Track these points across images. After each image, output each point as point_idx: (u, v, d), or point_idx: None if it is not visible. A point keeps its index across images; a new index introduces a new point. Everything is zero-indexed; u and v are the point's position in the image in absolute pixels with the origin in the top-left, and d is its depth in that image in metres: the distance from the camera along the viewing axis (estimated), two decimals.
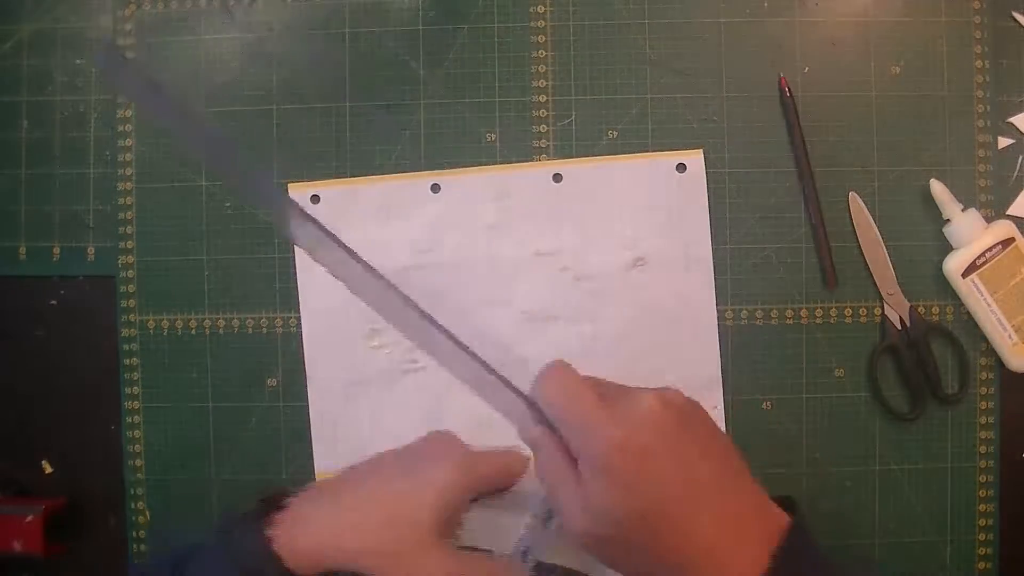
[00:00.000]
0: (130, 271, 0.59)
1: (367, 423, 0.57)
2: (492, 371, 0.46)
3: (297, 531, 0.41)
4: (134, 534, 0.58)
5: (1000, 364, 0.56)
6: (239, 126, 0.59)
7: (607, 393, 0.41)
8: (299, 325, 0.58)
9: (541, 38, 0.58)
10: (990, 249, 0.55)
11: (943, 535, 0.57)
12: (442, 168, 0.58)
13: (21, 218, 0.60)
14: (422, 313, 0.46)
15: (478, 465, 0.46)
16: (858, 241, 0.57)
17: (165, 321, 0.59)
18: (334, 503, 0.43)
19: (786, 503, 0.41)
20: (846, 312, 0.57)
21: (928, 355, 0.56)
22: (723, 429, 0.57)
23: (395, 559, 0.42)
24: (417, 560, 0.42)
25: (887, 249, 0.57)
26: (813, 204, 0.57)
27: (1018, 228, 0.55)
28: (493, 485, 0.46)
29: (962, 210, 0.55)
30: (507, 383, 0.46)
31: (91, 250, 0.60)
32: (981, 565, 0.57)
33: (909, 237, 0.57)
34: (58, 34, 0.60)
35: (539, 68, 0.58)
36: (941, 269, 0.56)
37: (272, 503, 0.44)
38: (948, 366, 0.57)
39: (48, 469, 0.60)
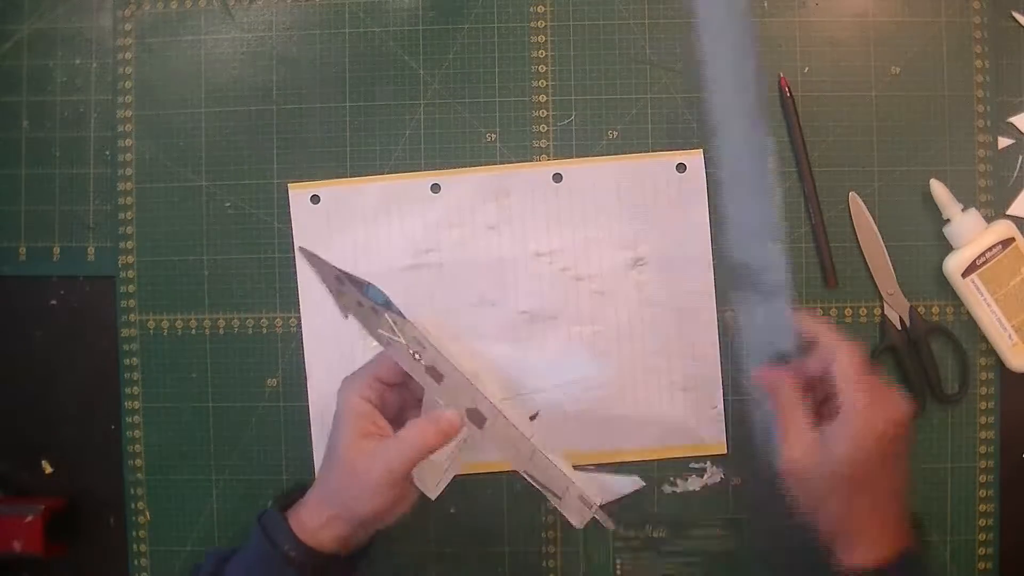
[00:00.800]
0: (130, 271, 0.59)
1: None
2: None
3: (301, 510, 0.49)
4: (134, 534, 0.58)
5: (1000, 364, 0.56)
6: (239, 126, 0.59)
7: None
8: (299, 325, 0.58)
9: (541, 38, 0.58)
10: (990, 249, 0.55)
11: (943, 535, 0.57)
12: (442, 168, 0.58)
13: (21, 218, 0.60)
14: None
15: (361, 368, 0.51)
16: (858, 241, 0.57)
17: (165, 321, 0.59)
18: (316, 486, 0.50)
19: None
20: (846, 312, 0.57)
21: (928, 355, 0.56)
22: (724, 429, 0.57)
23: (345, 484, 0.47)
24: (354, 468, 0.47)
25: (887, 249, 0.57)
26: (813, 204, 0.57)
27: (1018, 228, 0.55)
28: (384, 373, 0.50)
29: (962, 210, 0.55)
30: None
31: (91, 250, 0.60)
32: (981, 565, 0.57)
33: (909, 237, 0.57)
34: (58, 34, 0.60)
35: (539, 68, 0.58)
36: (941, 269, 0.56)
37: (293, 494, 0.51)
38: (948, 366, 0.57)
39: (48, 469, 0.60)
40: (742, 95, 0.50)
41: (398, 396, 0.51)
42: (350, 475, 0.47)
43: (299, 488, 0.51)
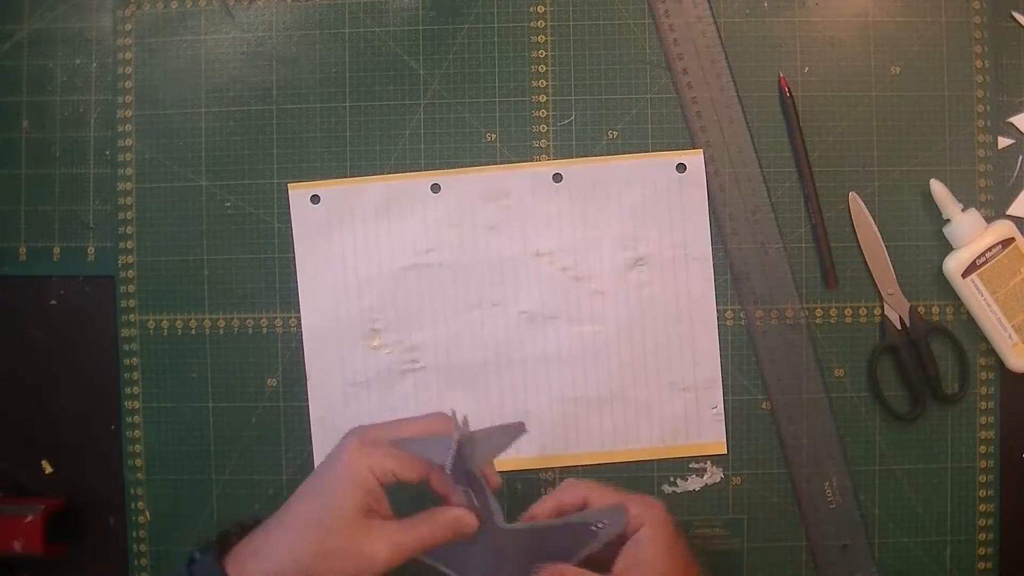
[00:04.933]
0: (130, 271, 0.59)
1: (367, 423, 0.57)
2: None
3: (247, 562, 0.43)
4: (134, 534, 0.58)
5: (1000, 364, 0.56)
6: (239, 126, 0.59)
7: None
8: (299, 325, 0.58)
9: (541, 38, 0.58)
10: (990, 249, 0.55)
11: (943, 535, 0.57)
12: (442, 168, 0.58)
13: (21, 218, 0.60)
14: None
15: (380, 433, 0.46)
16: (858, 241, 0.57)
17: (165, 321, 0.59)
18: (276, 529, 0.44)
19: None
20: (846, 312, 0.57)
21: (928, 355, 0.56)
22: (724, 429, 0.57)
23: (337, 557, 0.42)
24: (356, 546, 0.43)
25: (887, 249, 0.57)
26: (813, 204, 0.57)
27: (1018, 228, 0.55)
28: (403, 472, 0.45)
29: (962, 210, 0.55)
30: None
31: (91, 250, 0.60)
32: (981, 565, 0.57)
33: (909, 237, 0.57)
34: (58, 34, 0.60)
35: (539, 68, 0.58)
36: (941, 269, 0.56)
37: (231, 536, 0.45)
38: (948, 366, 0.57)
39: (48, 469, 0.60)
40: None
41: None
42: (345, 549, 0.42)
43: (237, 529, 0.45)
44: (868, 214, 0.57)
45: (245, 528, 0.45)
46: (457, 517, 0.45)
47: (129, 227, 0.59)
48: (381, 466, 0.44)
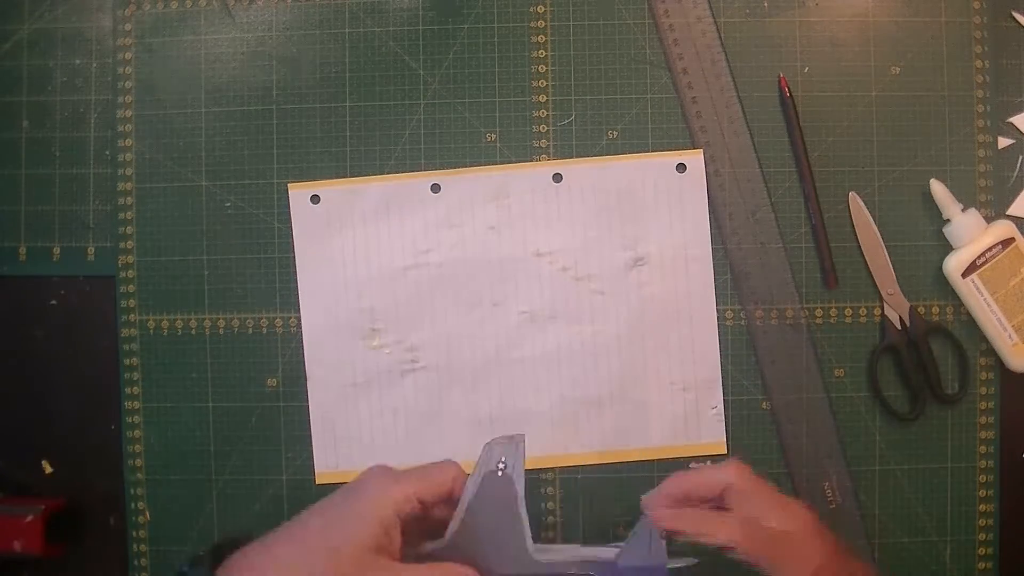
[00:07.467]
0: (130, 271, 0.59)
1: (367, 423, 0.58)
2: None
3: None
4: (134, 534, 0.58)
5: (1000, 364, 0.56)
6: (239, 126, 0.59)
7: None
8: (299, 325, 0.58)
9: (541, 38, 0.58)
10: (990, 249, 0.55)
11: (943, 535, 0.57)
12: (442, 168, 0.58)
13: (21, 218, 0.60)
14: None
15: (408, 476, 0.45)
16: (858, 241, 0.57)
17: (165, 321, 0.59)
18: (283, 546, 0.43)
19: None
20: (846, 312, 0.57)
21: (928, 355, 0.56)
22: (724, 429, 0.57)
23: None
24: None
25: (887, 249, 0.57)
26: (813, 204, 0.57)
27: (1018, 228, 0.55)
28: (428, 494, 0.45)
29: (962, 210, 0.55)
30: None
31: (91, 250, 0.60)
32: (981, 565, 0.57)
33: (909, 237, 0.57)
34: (58, 34, 0.60)
35: (539, 68, 0.58)
36: (941, 269, 0.56)
37: (223, 551, 0.43)
38: (948, 366, 0.57)
39: (48, 469, 0.60)
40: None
41: (423, 521, 0.46)
42: None
43: (230, 543, 0.44)
44: (868, 214, 0.57)
45: (237, 543, 0.43)
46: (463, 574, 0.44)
47: (129, 227, 0.59)
48: (405, 494, 0.44)
